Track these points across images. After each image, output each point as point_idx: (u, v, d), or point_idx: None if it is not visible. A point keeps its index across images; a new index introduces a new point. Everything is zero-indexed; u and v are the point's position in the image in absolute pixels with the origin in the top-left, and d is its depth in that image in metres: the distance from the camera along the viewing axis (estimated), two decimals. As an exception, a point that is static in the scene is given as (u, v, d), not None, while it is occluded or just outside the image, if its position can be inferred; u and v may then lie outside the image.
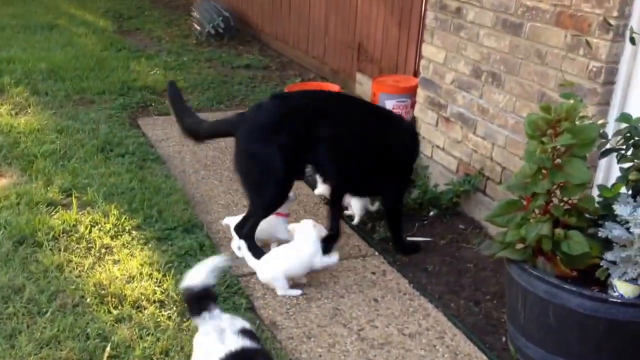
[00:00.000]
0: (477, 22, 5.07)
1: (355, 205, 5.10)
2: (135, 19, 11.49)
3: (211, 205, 5.18)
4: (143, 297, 3.85)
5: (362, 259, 4.57)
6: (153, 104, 7.27)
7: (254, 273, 4.22)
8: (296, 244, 4.17)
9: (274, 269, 4.07)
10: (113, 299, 3.82)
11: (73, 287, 3.90)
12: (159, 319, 3.69)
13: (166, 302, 3.84)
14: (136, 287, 3.93)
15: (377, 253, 4.70)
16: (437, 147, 5.65)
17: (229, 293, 4.01)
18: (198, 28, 10.72)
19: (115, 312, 3.71)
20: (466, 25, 5.19)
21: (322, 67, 8.73)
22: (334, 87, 6.45)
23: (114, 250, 4.33)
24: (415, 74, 6.75)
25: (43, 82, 7.48)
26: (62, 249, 4.26)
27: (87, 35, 9.83)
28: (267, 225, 4.45)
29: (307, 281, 4.20)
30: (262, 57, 9.48)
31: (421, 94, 5.83)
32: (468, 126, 5.25)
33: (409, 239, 4.95)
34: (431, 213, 5.31)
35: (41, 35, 9.58)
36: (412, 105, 6.31)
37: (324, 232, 4.36)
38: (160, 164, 5.71)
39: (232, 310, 3.68)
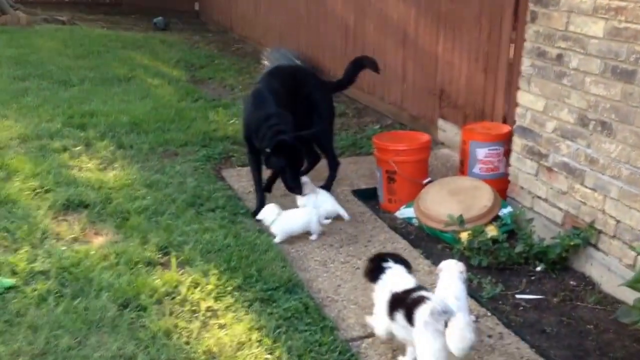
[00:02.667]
0: (581, 69, 4.89)
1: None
2: (207, 67, 11.58)
3: (307, 262, 5.06)
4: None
5: (475, 321, 4.33)
6: (235, 155, 7.22)
7: (365, 337, 4.07)
8: None
9: None
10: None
11: (183, 355, 3.78)
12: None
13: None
14: (247, 354, 3.78)
15: (489, 313, 4.45)
16: (538, 197, 5.43)
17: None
18: (269, 74, 10.72)
19: (232, 383, 3.55)
20: (569, 72, 5.00)
21: (400, 113, 8.60)
22: (425, 137, 6.27)
23: (219, 313, 4.21)
24: (504, 120, 6.55)
25: (126, 136, 7.48)
26: (167, 313, 4.15)
27: (163, 86, 9.90)
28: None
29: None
30: (337, 104, 9.35)
31: (518, 142, 5.62)
32: (574, 176, 5.02)
33: (517, 296, 4.71)
34: (538, 268, 5.08)
35: (119, 88, 9.67)
36: (505, 153, 6.11)
37: None
38: (251, 218, 5.57)
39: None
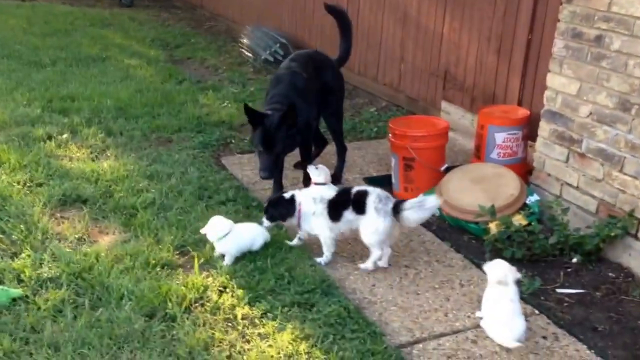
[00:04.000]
0: (624, 51, 4.61)
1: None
2: (183, 47, 11.07)
3: (335, 258, 4.68)
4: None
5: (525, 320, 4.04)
6: (233, 141, 6.84)
7: (414, 342, 3.82)
8: None
9: None
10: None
11: (225, 371, 3.39)
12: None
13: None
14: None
15: (536, 311, 4.18)
16: (568, 185, 5.16)
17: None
18: (250, 55, 10.29)
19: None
20: (609, 54, 4.72)
21: (395, 95, 8.27)
22: (444, 123, 5.95)
23: (256, 321, 3.85)
24: (519, 104, 6.28)
25: (114, 121, 7.02)
26: (200, 323, 3.77)
27: (142, 67, 9.40)
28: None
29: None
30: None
31: (545, 127, 5.34)
32: (612, 163, 4.77)
33: (558, 290, 4.46)
34: (574, 260, 4.83)
35: (95, 69, 9.15)
36: (524, 138, 5.84)
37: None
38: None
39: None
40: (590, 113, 4.95)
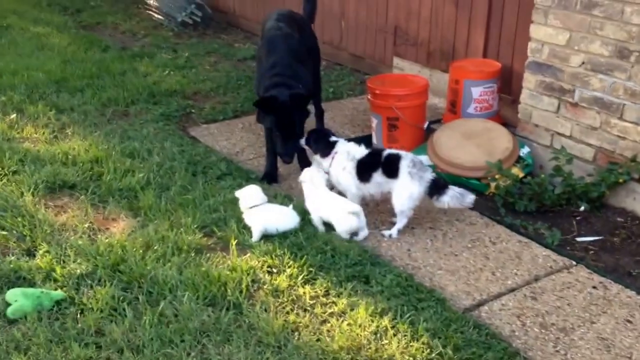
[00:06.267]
0: (620, -2, 4.68)
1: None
2: (86, 11, 10.46)
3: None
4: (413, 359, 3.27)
5: (567, 273, 4.13)
6: (193, 111, 6.53)
7: (478, 305, 3.83)
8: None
9: None
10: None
11: (320, 355, 3.24)
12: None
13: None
14: (395, 345, 3.32)
15: (574, 262, 4.26)
16: (560, 134, 5.27)
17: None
18: (161, 17, 9.81)
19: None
20: (602, 2, 4.80)
21: (337, 53, 8.13)
22: (423, 80, 5.90)
23: (324, 300, 3.71)
24: (484, 56, 6.31)
25: (57, 96, 6.53)
26: (271, 308, 3.57)
27: (53, 35, 8.82)
28: None
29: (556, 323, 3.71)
30: (256, 46, 8.70)
31: (531, 79, 5.41)
32: (611, 111, 4.89)
33: (578, 239, 4.58)
34: (582, 208, 4.94)
35: (1, 39, 8.36)
36: (499, 90, 5.90)
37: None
38: (267, 183, 5.00)
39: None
40: (583, 62, 5.03)
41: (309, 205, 4.50)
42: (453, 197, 4.42)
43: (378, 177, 4.48)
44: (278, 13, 5.66)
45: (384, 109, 5.68)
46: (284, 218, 4.37)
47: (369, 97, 5.82)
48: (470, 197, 4.47)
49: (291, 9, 6.04)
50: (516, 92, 5.94)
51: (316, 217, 4.44)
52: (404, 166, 4.41)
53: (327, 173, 4.65)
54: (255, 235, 4.25)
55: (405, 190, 4.41)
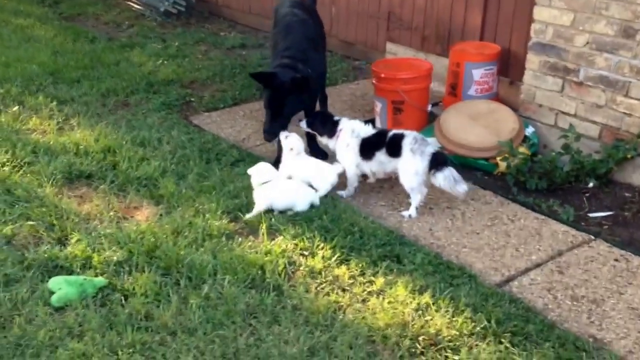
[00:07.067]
0: (626, -21, 4.80)
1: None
2: (64, 3, 10.29)
3: (375, 208, 4.72)
4: (459, 333, 3.36)
5: (588, 247, 4.24)
6: (193, 99, 6.51)
7: (507, 280, 3.91)
8: None
9: None
10: (438, 345, 3.30)
11: (368, 332, 3.31)
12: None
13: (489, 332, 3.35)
14: (440, 322, 3.40)
15: (592, 237, 4.38)
16: (564, 113, 5.37)
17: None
18: (141, 8, 9.74)
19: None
20: (607, -17, 4.90)
21: (326, 40, 8.11)
22: (427, 63, 5.96)
23: (360, 280, 3.77)
24: (481, 39, 6.40)
25: (55, 88, 6.46)
26: (311, 290, 3.63)
27: (37, 27, 8.74)
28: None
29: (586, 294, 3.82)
30: (243, 35, 8.73)
31: (534, 60, 5.52)
32: (616, 89, 5.02)
33: (590, 215, 4.69)
34: (590, 184, 5.06)
35: (-16, 32, 8.28)
36: (498, 72, 6.00)
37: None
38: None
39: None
40: (588, 42, 5.14)
41: (283, 168, 4.70)
42: (447, 178, 4.47)
43: (381, 156, 4.62)
44: (290, 0, 5.67)
45: (389, 92, 5.73)
46: (293, 196, 4.47)
47: (373, 81, 5.86)
48: (463, 187, 4.51)
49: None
50: (514, 74, 6.06)
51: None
52: (406, 144, 4.53)
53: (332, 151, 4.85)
54: (253, 212, 4.36)
55: (410, 167, 4.51)
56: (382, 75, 5.76)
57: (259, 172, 4.46)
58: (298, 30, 5.17)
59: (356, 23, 7.72)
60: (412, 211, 4.58)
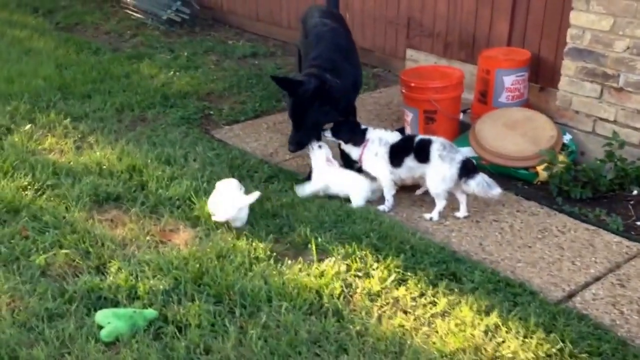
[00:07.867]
0: (670, -19, 4.66)
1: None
2: (58, 12, 10.07)
3: (419, 222, 4.54)
4: (536, 356, 3.19)
5: (645, 256, 4.07)
6: (212, 112, 6.30)
7: (569, 296, 3.73)
8: None
9: None
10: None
11: (441, 358, 3.15)
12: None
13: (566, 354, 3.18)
14: (511, 344, 3.22)
15: (647, 249, 4.21)
16: (603, 120, 5.22)
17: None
18: (140, 16, 9.53)
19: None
20: (649, -13, 4.75)
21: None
22: (458, 71, 5.79)
23: (421, 301, 3.57)
24: (508, 44, 6.24)
25: (65, 103, 6.25)
26: (373, 314, 3.43)
27: (35, 38, 8.46)
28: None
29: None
30: (251, 43, 8.54)
31: (571, 65, 5.36)
32: (659, 95, 4.85)
33: (638, 223, 4.55)
34: (634, 192, 4.91)
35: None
36: (529, 79, 5.85)
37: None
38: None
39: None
40: (628, 47, 4.99)
41: (316, 178, 4.71)
42: (480, 183, 4.43)
43: (410, 161, 4.54)
44: (319, 10, 5.48)
45: (421, 102, 5.56)
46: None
47: (402, 90, 5.68)
48: (497, 190, 4.47)
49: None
50: (544, 80, 5.91)
51: (314, 188, 4.66)
52: (435, 150, 4.46)
53: (356, 162, 4.76)
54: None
55: (438, 173, 4.45)
56: (413, 85, 5.58)
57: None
58: (328, 39, 4.98)
59: (373, 29, 7.55)
60: (434, 214, 4.55)
